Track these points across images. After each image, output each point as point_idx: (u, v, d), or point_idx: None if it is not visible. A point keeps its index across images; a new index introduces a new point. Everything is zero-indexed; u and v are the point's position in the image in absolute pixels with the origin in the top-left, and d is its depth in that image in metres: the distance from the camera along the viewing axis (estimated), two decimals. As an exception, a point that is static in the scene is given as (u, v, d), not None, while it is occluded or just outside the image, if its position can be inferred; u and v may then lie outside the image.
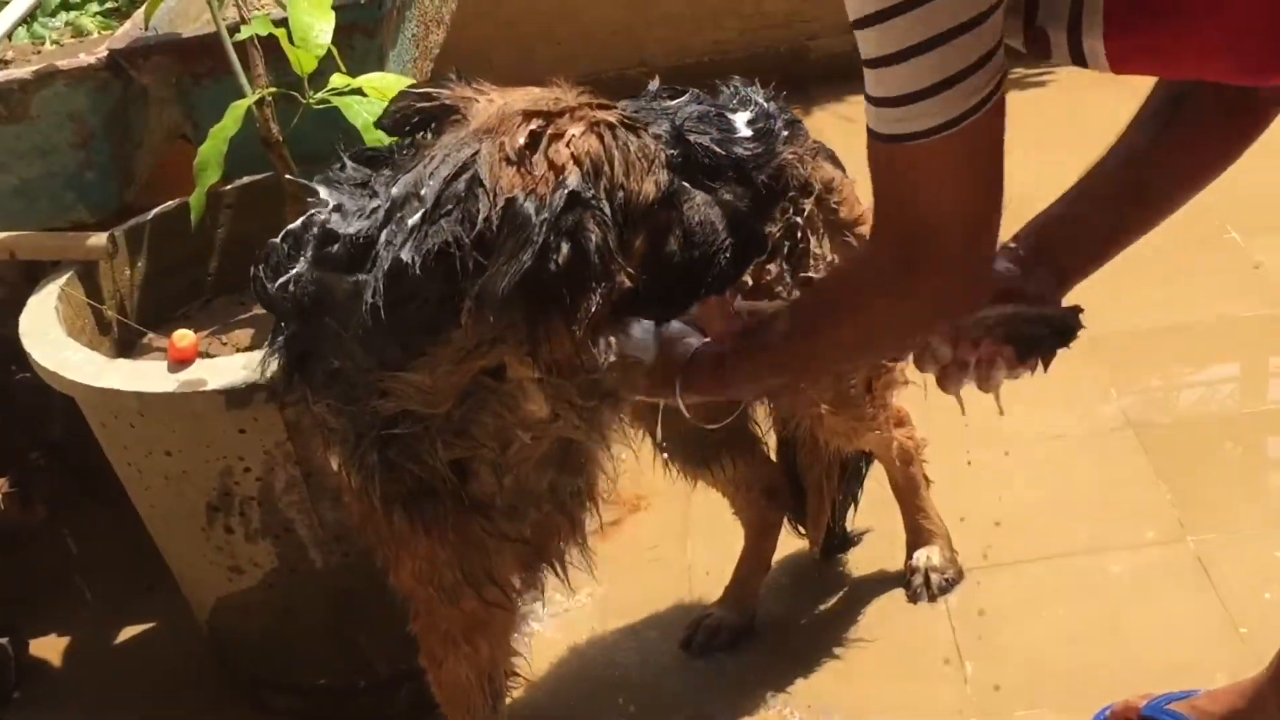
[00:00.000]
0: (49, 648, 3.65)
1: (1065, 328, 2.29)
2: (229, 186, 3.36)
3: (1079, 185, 2.30)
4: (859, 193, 2.85)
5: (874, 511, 3.46)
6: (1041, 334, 2.27)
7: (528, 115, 2.11)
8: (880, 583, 3.40)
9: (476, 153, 2.08)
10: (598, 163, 2.09)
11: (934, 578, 3.33)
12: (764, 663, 3.24)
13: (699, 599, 3.42)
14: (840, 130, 4.77)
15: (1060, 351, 2.31)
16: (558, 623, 3.37)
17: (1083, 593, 3.26)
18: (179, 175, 3.16)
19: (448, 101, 2.20)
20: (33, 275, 3.31)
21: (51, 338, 2.99)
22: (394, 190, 2.11)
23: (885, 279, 1.99)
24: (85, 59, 3.36)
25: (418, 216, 2.05)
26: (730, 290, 2.36)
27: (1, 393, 3.44)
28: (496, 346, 2.12)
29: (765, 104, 2.68)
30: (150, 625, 3.62)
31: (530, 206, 2.02)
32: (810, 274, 2.76)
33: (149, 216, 3.37)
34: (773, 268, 2.73)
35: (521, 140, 2.08)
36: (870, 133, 1.90)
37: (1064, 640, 3.14)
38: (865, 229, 2.80)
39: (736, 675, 3.22)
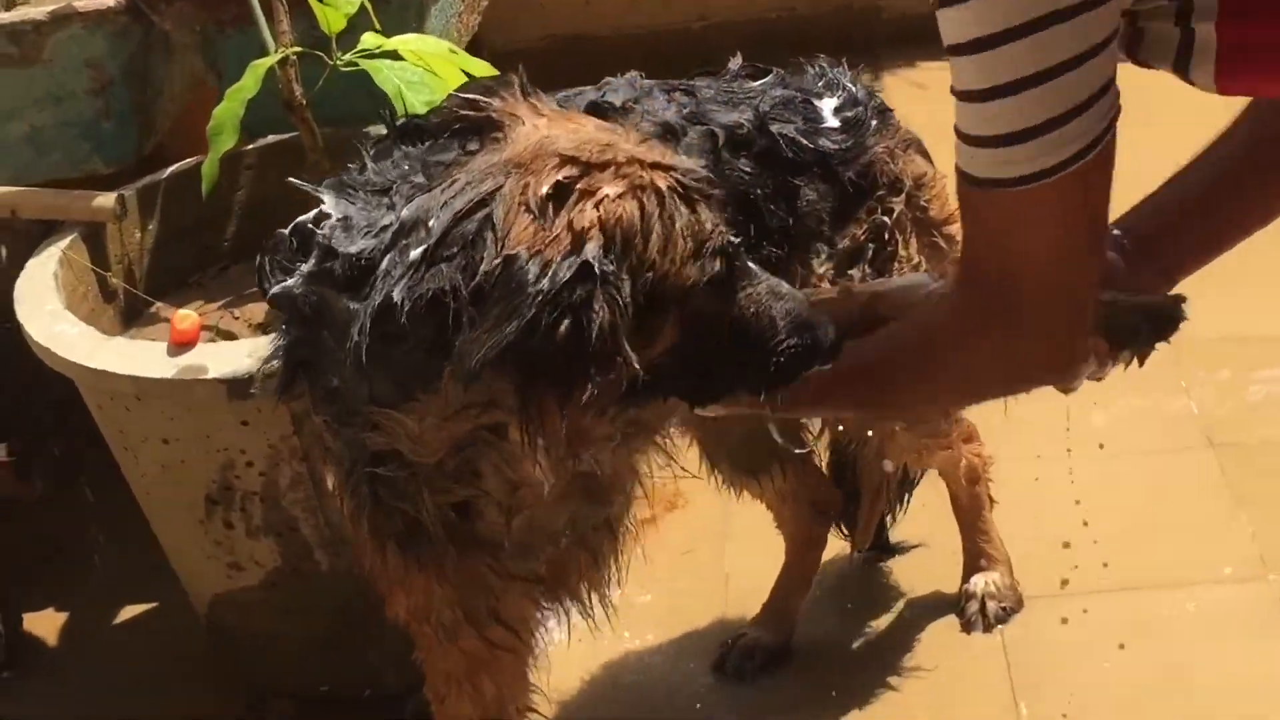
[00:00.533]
0: (46, 623, 3.45)
1: (1167, 318, 2.00)
2: (250, 146, 3.13)
3: (1186, 171, 2.04)
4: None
5: (931, 526, 3.20)
6: (1139, 324, 1.99)
7: (564, 160, 1.82)
8: (934, 606, 3.15)
9: (499, 189, 1.81)
10: (629, 233, 1.80)
11: (991, 605, 3.08)
12: (801, 690, 3.00)
13: (735, 611, 3.17)
14: (911, 97, 4.51)
15: None
16: (582, 629, 3.12)
17: (1152, 632, 3.00)
18: (204, 124, 2.92)
19: (494, 115, 1.92)
20: (49, 230, 3.09)
21: (47, 308, 2.77)
22: (404, 213, 1.85)
23: (972, 332, 1.74)
24: (104, 1, 3.13)
25: (419, 251, 1.80)
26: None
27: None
28: (491, 410, 1.88)
29: (854, 89, 2.51)
30: (152, 606, 3.41)
31: (531, 270, 1.74)
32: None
33: (163, 175, 3.14)
34: (855, 273, 2.51)
35: (546, 188, 1.80)
36: (961, 174, 1.66)
37: (1129, 684, 2.89)
38: (955, 229, 2.59)
39: (769, 702, 2.99)
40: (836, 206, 2.44)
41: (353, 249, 1.86)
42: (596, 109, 2.14)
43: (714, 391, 1.98)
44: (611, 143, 1.86)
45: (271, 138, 3.15)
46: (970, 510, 3.06)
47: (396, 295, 1.78)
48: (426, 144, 1.97)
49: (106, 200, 2.97)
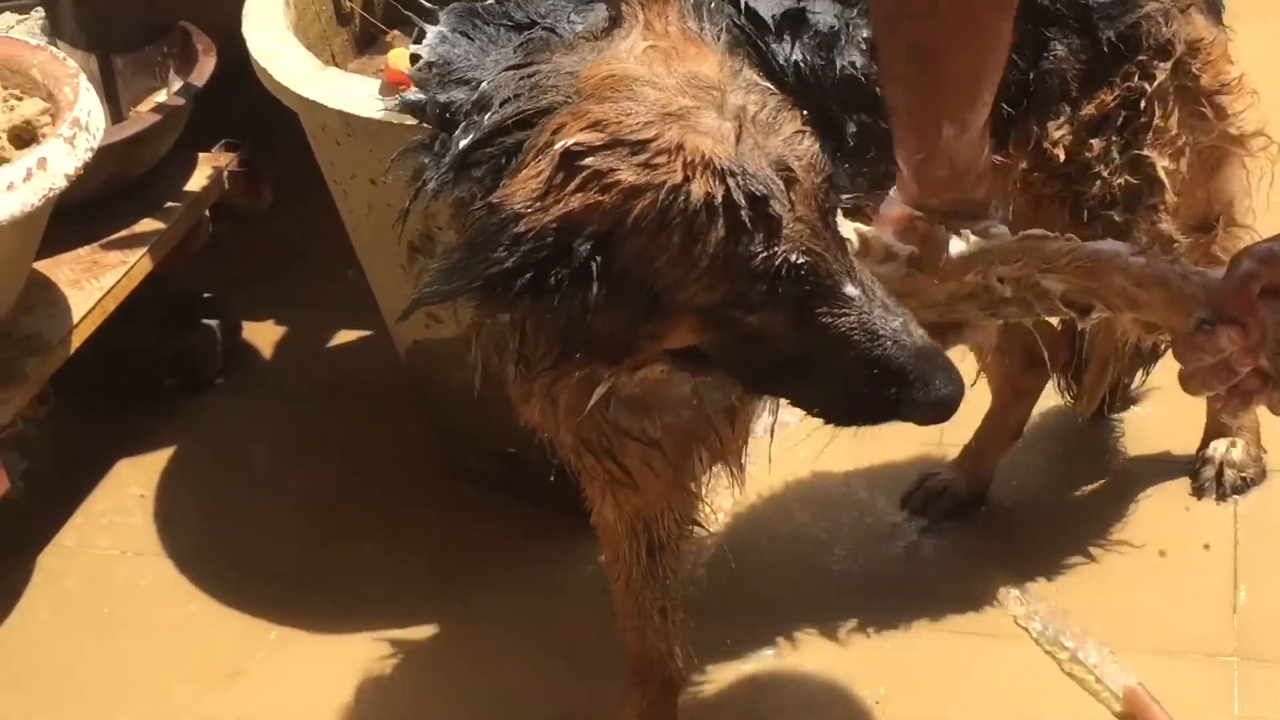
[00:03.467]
0: (264, 335, 3.46)
1: None
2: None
3: None
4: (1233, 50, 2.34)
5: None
6: None
7: (599, 121, 1.55)
8: (1160, 467, 2.91)
9: (554, 108, 1.59)
10: (632, 231, 1.54)
11: (1229, 474, 2.83)
12: (992, 545, 2.81)
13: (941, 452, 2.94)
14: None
15: None
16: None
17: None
18: None
19: (624, 9, 1.67)
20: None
21: (272, 26, 2.67)
22: (486, 85, 1.70)
23: None
24: None
25: (467, 141, 1.66)
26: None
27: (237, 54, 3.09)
28: None
29: None
30: (368, 334, 3.37)
31: (508, 231, 1.54)
32: (1145, 152, 2.27)
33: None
34: (1096, 143, 2.25)
35: (574, 140, 1.55)
36: None
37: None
38: (1228, 99, 2.32)
39: (948, 548, 2.82)
40: (1088, 67, 2.18)
41: (442, 97, 1.78)
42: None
43: (773, 394, 1.79)
44: (686, 111, 1.56)
45: None
46: (1217, 370, 2.76)
47: (432, 185, 1.73)
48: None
49: (351, -87, 2.84)
